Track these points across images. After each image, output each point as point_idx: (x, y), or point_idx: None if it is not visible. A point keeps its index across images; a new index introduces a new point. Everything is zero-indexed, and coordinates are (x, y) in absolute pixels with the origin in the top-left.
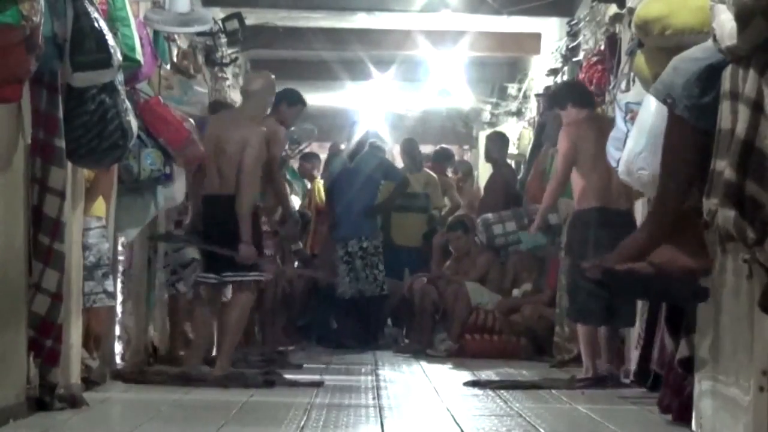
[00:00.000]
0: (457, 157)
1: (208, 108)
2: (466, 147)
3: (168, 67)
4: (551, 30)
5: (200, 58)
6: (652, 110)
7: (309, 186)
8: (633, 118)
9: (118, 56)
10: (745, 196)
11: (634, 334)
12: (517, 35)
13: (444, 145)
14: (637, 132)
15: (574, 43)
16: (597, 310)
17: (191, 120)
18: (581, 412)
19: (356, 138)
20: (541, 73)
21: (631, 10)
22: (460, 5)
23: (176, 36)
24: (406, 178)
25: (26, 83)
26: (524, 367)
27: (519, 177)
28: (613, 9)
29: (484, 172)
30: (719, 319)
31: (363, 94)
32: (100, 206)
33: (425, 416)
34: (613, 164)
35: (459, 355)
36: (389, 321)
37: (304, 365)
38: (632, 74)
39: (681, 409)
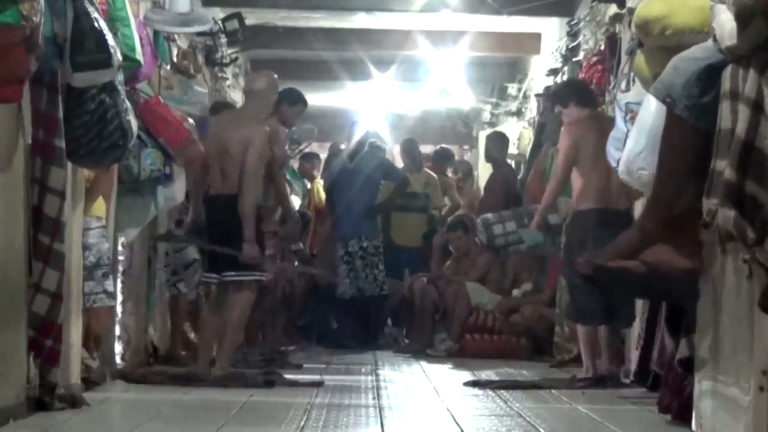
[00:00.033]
0: (457, 157)
1: (209, 109)
2: (466, 147)
3: (168, 67)
4: (551, 30)
5: (200, 58)
6: (652, 110)
7: (309, 186)
8: (633, 118)
9: (118, 56)
10: (745, 196)
11: (635, 334)
12: (517, 35)
13: (444, 145)
14: (637, 132)
15: (574, 43)
16: (596, 310)
17: (191, 120)
18: (581, 412)
19: (356, 138)
20: (541, 73)
21: (631, 10)
22: (460, 5)
23: (176, 36)
24: (406, 178)
25: (26, 83)
26: (524, 367)
27: (519, 177)
28: (613, 9)
29: (484, 172)
30: (719, 319)
31: (363, 94)
32: (100, 206)
33: (425, 416)
34: (613, 164)
35: (459, 355)
36: (389, 321)
37: (304, 365)
38: (632, 74)
39: (680, 408)
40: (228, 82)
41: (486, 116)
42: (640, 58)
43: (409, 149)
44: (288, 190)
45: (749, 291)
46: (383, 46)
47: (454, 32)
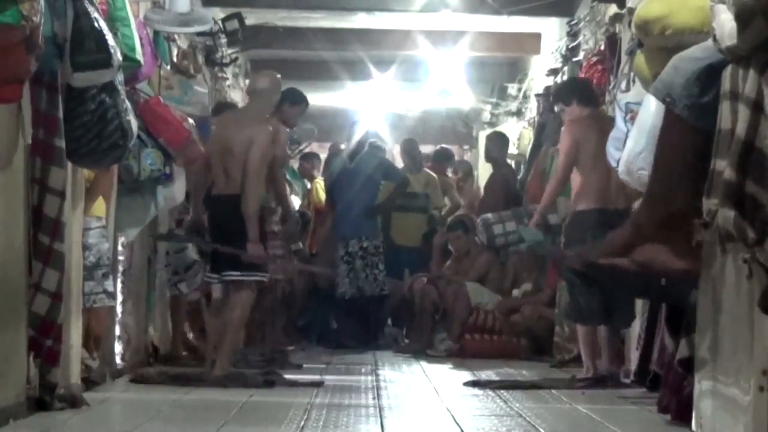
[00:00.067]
0: (457, 157)
1: (212, 109)
2: (466, 147)
3: (168, 67)
4: (551, 30)
5: (200, 58)
6: (652, 110)
7: (309, 186)
8: (633, 118)
9: (118, 56)
10: (745, 196)
11: (635, 334)
12: (517, 35)
13: (444, 145)
14: (637, 132)
15: (574, 43)
16: (596, 310)
17: (191, 120)
18: (581, 412)
19: (356, 138)
20: (541, 73)
21: (631, 10)
22: (460, 5)
23: (176, 36)
24: (406, 178)
25: (26, 83)
26: (524, 367)
27: (519, 177)
28: (613, 9)
29: (484, 172)
30: (719, 319)
31: (363, 94)
32: (100, 206)
33: (425, 416)
34: (613, 164)
35: (459, 355)
36: (389, 321)
37: (304, 365)
38: (632, 74)
39: (679, 408)
40: (228, 82)
41: (486, 116)
42: (640, 58)
43: (409, 149)
44: (288, 190)
45: (749, 291)
46: (383, 46)
47: (454, 32)
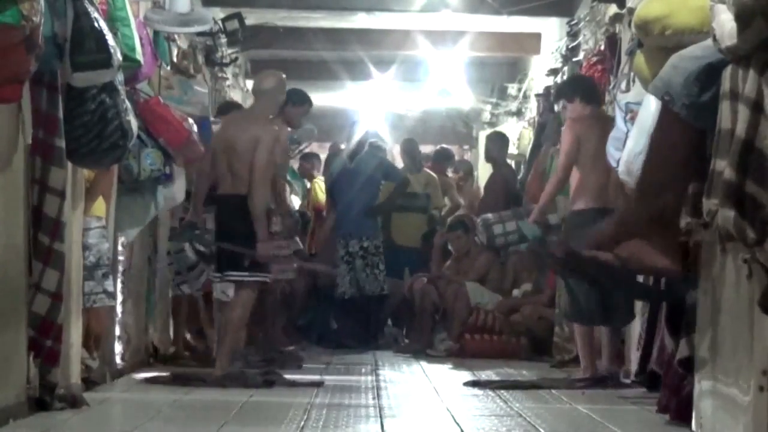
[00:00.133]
0: (457, 157)
1: (217, 109)
2: (466, 147)
3: (168, 67)
4: (551, 30)
5: (200, 58)
6: (652, 110)
7: (309, 186)
8: (633, 118)
9: (118, 56)
10: (745, 196)
11: (635, 334)
12: (517, 35)
13: (444, 145)
14: (637, 132)
15: (574, 43)
16: (594, 309)
17: (191, 120)
18: (581, 412)
19: (356, 138)
20: (541, 73)
21: (631, 10)
22: (460, 5)
23: (176, 36)
24: (406, 178)
25: (26, 83)
26: (524, 367)
27: (519, 177)
28: (613, 9)
29: (484, 172)
30: (719, 319)
31: (363, 94)
32: (100, 206)
33: (425, 416)
34: (613, 164)
35: (459, 355)
36: (389, 321)
37: (304, 365)
38: (632, 74)
39: (679, 408)
40: (228, 82)
41: (486, 116)
42: (640, 58)
43: (409, 149)
44: (288, 190)
45: (749, 291)
46: (383, 46)
47: (454, 32)
